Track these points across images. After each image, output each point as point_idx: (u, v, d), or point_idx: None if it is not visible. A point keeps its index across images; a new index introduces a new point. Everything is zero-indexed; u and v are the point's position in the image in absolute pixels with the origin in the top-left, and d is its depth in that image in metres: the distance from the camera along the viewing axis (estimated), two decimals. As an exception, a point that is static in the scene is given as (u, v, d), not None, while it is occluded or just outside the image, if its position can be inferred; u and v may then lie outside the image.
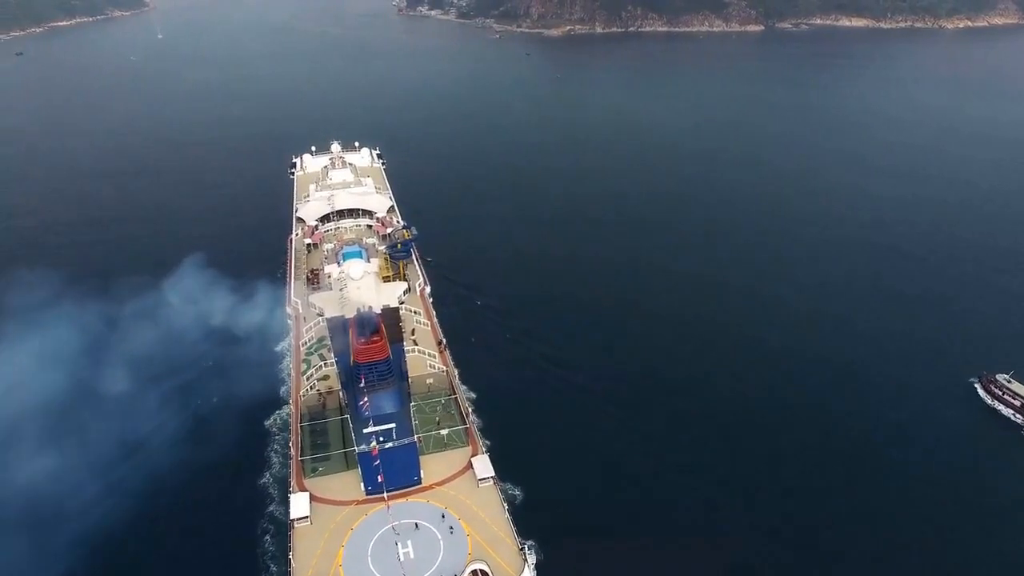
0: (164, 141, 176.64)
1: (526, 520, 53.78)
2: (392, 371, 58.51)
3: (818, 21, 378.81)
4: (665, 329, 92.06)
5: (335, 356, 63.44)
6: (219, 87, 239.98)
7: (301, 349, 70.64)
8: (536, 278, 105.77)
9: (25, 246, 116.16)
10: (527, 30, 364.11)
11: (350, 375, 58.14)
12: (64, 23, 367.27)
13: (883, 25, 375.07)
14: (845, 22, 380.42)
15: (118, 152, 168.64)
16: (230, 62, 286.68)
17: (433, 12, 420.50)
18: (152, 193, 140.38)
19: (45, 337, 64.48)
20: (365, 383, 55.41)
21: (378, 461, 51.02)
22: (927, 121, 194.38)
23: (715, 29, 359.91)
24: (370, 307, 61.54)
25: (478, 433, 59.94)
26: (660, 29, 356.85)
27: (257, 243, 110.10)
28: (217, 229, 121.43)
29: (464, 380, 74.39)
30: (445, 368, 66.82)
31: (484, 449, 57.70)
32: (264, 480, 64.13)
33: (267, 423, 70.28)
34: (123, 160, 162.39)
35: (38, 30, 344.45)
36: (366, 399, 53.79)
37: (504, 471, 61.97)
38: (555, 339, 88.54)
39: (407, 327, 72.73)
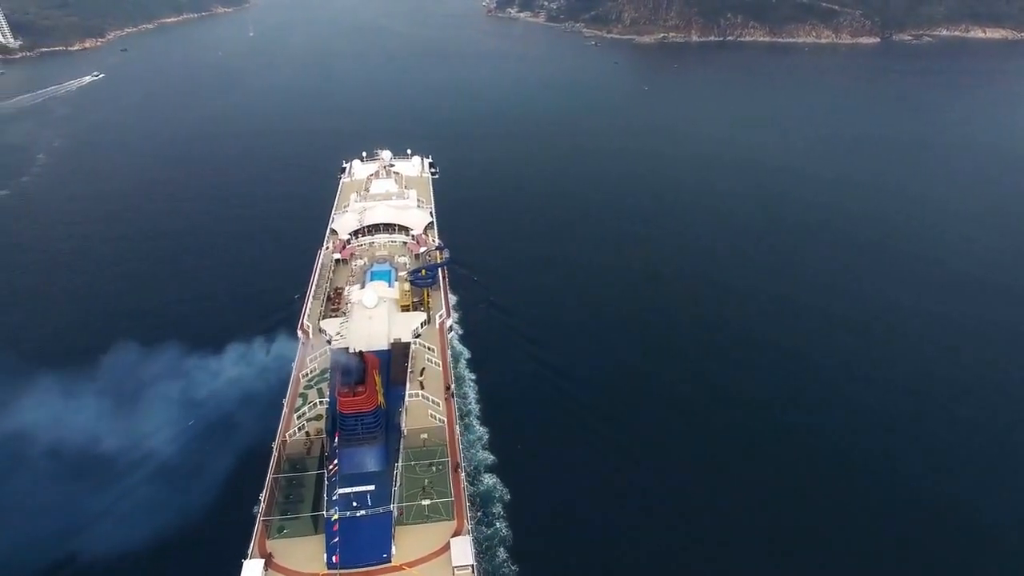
0: (231, 143, 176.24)
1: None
2: (379, 423, 51.33)
3: (944, 32, 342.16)
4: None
5: (330, 395, 57.19)
6: (296, 85, 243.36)
7: (301, 380, 64.90)
8: (604, 333, 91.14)
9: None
10: (618, 36, 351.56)
11: (335, 423, 51.47)
12: (171, 20, 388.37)
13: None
14: (977, 33, 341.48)
15: (181, 150, 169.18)
16: (312, 60, 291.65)
17: (522, 14, 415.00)
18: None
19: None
20: (340, 439, 48.34)
21: (336, 539, 43.95)
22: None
23: (823, 40, 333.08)
24: (359, 351, 54.53)
25: (468, 506, 51.62)
26: (761, 39, 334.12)
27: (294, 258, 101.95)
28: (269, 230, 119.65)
29: (489, 444, 66.67)
30: (447, 421, 58.89)
31: (470, 528, 49.36)
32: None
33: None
34: (184, 159, 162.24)
35: (149, 26, 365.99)
36: (334, 463, 46.63)
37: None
38: (620, 409, 74.52)
39: (416, 366, 65.68)
